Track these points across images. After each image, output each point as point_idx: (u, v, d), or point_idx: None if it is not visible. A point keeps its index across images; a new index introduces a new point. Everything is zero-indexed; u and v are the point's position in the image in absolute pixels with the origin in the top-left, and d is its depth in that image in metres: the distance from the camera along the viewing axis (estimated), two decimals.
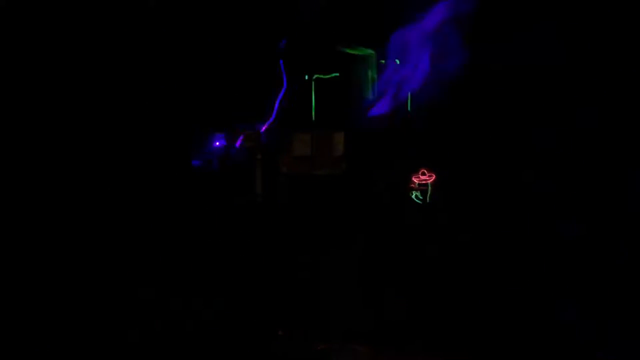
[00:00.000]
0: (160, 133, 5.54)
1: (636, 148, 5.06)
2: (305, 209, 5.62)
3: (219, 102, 5.64)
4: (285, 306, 5.41)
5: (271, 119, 5.72)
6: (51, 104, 5.46)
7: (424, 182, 5.48)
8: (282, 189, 5.71)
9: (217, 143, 5.72)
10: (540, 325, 4.97)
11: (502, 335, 4.98)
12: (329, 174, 5.70)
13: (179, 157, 5.61)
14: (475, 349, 4.96)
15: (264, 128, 5.74)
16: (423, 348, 5.06)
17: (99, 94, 5.49)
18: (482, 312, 5.13)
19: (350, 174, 5.65)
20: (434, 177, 5.47)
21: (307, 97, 5.68)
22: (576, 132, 5.17)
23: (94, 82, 5.48)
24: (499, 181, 5.31)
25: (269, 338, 5.24)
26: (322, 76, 5.65)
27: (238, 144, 5.74)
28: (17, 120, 5.41)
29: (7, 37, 5.38)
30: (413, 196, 5.49)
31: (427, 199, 5.46)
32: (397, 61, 5.55)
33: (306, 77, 5.63)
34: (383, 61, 5.62)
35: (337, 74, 5.65)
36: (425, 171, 5.48)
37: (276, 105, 5.71)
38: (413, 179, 5.50)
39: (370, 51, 5.62)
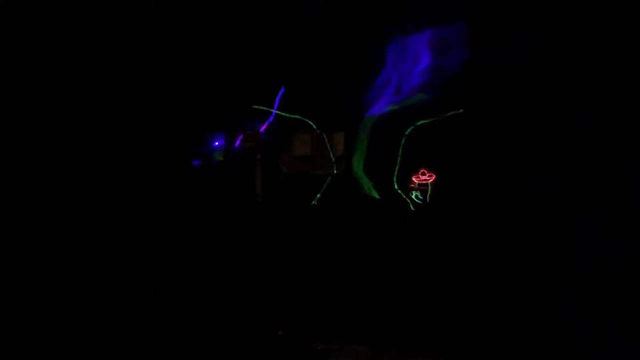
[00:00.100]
0: (160, 133, 5.54)
1: (636, 148, 5.06)
2: (305, 209, 5.62)
3: (218, 102, 5.64)
4: (285, 306, 5.41)
5: (271, 119, 5.72)
6: (51, 104, 5.46)
7: (424, 182, 5.47)
8: (282, 189, 5.71)
9: (217, 143, 5.73)
10: (540, 325, 4.97)
11: (502, 335, 4.98)
12: (329, 174, 5.70)
13: (179, 157, 5.61)
14: (475, 349, 4.96)
15: (263, 128, 5.74)
16: (423, 348, 5.06)
17: (99, 94, 5.49)
18: (482, 312, 5.12)
19: (351, 174, 5.65)
20: (434, 177, 5.46)
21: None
22: (576, 132, 5.17)
23: (94, 82, 5.48)
24: (499, 181, 5.30)
25: (269, 338, 5.24)
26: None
27: (238, 144, 5.74)
28: (16, 120, 5.41)
29: (6, 36, 5.39)
30: (413, 196, 5.49)
31: (427, 199, 5.46)
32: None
33: None
34: None
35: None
36: (425, 171, 5.48)
37: (275, 105, 5.71)
38: (413, 179, 5.50)
39: None
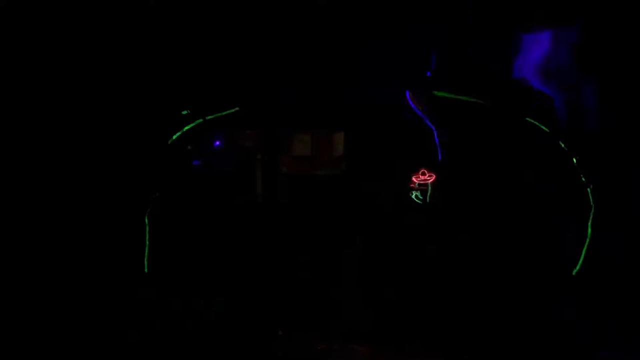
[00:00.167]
0: (161, 133, 5.53)
1: (636, 148, 5.06)
2: (305, 209, 5.62)
3: (219, 102, 5.63)
4: (285, 306, 5.41)
5: (273, 118, 5.71)
6: (51, 104, 5.45)
7: (424, 182, 5.47)
8: (282, 189, 5.71)
9: (217, 143, 5.72)
10: (540, 325, 4.97)
11: (502, 335, 4.98)
12: (329, 174, 5.70)
13: (179, 157, 5.60)
14: (475, 349, 4.96)
15: (263, 128, 5.73)
16: (423, 348, 5.06)
17: (98, 94, 5.48)
18: (482, 312, 5.13)
19: (350, 174, 5.64)
20: (434, 177, 5.46)
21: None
22: (577, 132, 5.17)
23: (94, 82, 5.47)
24: (499, 181, 5.30)
25: (269, 338, 5.24)
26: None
27: (237, 143, 5.73)
28: (16, 119, 5.41)
29: (6, 36, 5.38)
30: (413, 196, 5.48)
31: (427, 199, 5.46)
32: None
33: None
34: None
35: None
36: (425, 171, 5.47)
37: (277, 104, 5.70)
38: (413, 179, 5.49)
39: None
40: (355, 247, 5.46)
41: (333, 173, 5.69)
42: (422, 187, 5.50)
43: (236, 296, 5.39)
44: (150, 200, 5.44)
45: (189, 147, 5.62)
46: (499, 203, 5.27)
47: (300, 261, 5.50)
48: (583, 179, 5.11)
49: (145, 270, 5.36)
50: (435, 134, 5.40)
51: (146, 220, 5.40)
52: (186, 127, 5.45)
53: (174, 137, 5.45)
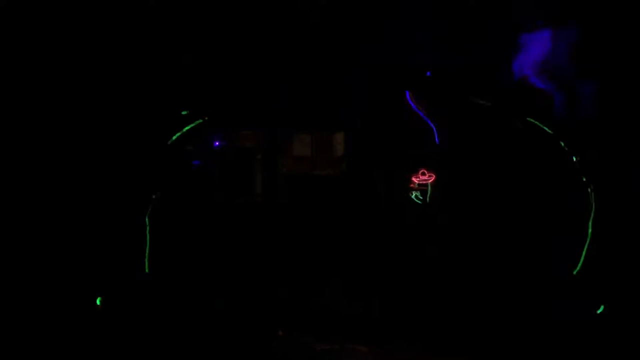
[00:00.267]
0: (161, 133, 5.54)
1: (636, 147, 5.06)
2: (305, 209, 5.62)
3: (218, 102, 5.64)
4: (285, 306, 5.41)
5: (271, 119, 5.71)
6: (51, 105, 5.47)
7: (424, 182, 5.47)
8: (282, 189, 5.72)
9: (217, 143, 5.73)
10: (540, 325, 4.97)
11: (502, 335, 4.98)
12: (329, 174, 5.70)
13: (179, 157, 5.61)
14: (475, 349, 4.96)
15: (263, 128, 5.74)
16: (423, 348, 5.06)
17: (98, 94, 5.49)
18: (482, 312, 5.12)
19: (350, 174, 5.65)
20: (434, 177, 5.46)
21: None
22: (577, 131, 5.17)
23: (93, 82, 5.49)
24: (499, 181, 5.30)
25: (269, 338, 5.24)
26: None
27: (237, 143, 5.74)
28: (17, 119, 5.43)
29: (6, 36, 5.40)
30: (413, 196, 5.48)
31: (427, 199, 5.46)
32: None
33: None
34: None
35: None
36: (425, 171, 5.47)
37: (277, 104, 5.71)
38: (413, 179, 5.49)
39: None
40: (355, 247, 5.46)
41: (333, 173, 5.69)
42: (422, 187, 5.50)
43: (236, 296, 5.39)
44: (150, 201, 5.45)
45: (189, 147, 5.63)
46: (498, 203, 5.27)
47: (301, 261, 5.51)
48: (583, 179, 5.11)
49: (146, 270, 5.37)
50: (436, 134, 5.41)
51: (146, 221, 5.42)
52: (186, 128, 5.46)
53: (174, 137, 5.46)
